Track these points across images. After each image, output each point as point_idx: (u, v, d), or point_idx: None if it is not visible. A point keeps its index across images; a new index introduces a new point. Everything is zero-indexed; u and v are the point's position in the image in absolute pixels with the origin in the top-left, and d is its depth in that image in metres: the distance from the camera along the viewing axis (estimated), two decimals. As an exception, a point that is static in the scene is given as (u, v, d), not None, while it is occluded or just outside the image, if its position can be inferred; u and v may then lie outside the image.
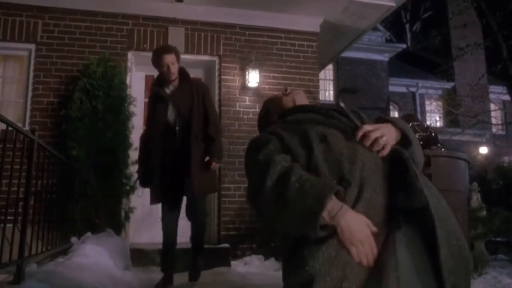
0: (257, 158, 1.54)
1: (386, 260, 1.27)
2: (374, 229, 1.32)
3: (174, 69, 3.80)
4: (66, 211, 4.66)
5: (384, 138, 1.49)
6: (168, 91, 3.87)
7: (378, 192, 1.39)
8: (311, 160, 1.46)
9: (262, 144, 1.58)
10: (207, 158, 3.77)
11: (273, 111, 2.04)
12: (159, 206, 3.82)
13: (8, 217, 3.03)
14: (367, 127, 1.51)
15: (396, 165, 1.46)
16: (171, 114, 3.80)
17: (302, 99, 2.05)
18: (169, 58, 3.76)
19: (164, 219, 3.79)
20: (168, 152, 3.72)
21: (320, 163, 1.44)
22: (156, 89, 3.88)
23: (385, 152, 1.48)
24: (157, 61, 3.81)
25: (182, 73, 3.94)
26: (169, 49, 3.87)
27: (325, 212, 1.29)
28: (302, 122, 1.64)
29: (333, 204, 1.31)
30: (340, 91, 15.80)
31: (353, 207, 1.34)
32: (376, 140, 1.48)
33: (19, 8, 5.50)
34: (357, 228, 1.30)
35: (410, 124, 3.30)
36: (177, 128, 3.77)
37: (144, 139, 3.95)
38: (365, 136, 1.49)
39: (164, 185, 3.71)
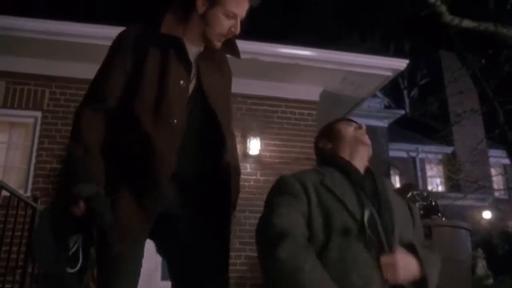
0: (276, 209, 1.60)
1: None
2: None
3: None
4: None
5: (397, 277, 1.50)
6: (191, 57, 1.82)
7: None
8: (324, 249, 1.52)
9: (288, 194, 1.64)
10: None
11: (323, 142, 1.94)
12: None
13: (6, 286, 3.00)
14: (389, 261, 1.51)
15: None
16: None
17: (359, 155, 1.87)
18: (244, 7, 1.80)
19: None
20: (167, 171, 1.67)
21: (330, 261, 1.49)
22: (173, 35, 1.76)
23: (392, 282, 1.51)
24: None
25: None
26: None
27: None
28: (336, 198, 1.62)
29: None
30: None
31: None
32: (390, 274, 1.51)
33: (28, 77, 5.67)
34: None
35: (410, 194, 3.33)
36: (190, 131, 1.74)
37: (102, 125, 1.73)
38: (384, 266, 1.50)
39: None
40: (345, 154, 1.82)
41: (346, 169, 1.74)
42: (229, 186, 1.79)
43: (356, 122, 1.93)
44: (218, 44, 1.83)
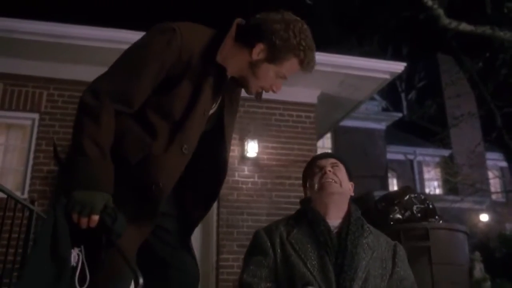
0: (247, 267, 1.87)
1: None
2: None
3: None
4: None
5: None
6: None
7: None
8: None
9: (258, 251, 1.89)
10: None
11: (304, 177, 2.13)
12: None
13: (2, 289, 2.99)
14: None
15: None
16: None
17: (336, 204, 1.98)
18: (294, 72, 1.79)
19: None
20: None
21: None
22: (223, 66, 1.63)
23: None
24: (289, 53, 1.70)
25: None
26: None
27: None
28: (298, 254, 1.83)
29: None
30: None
31: None
32: None
33: (26, 79, 5.68)
34: None
35: (407, 196, 3.33)
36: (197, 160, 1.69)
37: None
38: None
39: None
40: (320, 206, 1.94)
41: (314, 227, 1.87)
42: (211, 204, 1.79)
43: (325, 161, 2.03)
44: (253, 93, 1.74)
